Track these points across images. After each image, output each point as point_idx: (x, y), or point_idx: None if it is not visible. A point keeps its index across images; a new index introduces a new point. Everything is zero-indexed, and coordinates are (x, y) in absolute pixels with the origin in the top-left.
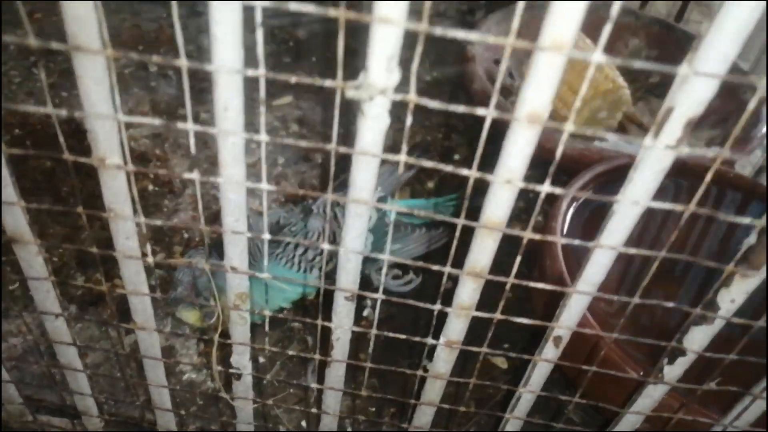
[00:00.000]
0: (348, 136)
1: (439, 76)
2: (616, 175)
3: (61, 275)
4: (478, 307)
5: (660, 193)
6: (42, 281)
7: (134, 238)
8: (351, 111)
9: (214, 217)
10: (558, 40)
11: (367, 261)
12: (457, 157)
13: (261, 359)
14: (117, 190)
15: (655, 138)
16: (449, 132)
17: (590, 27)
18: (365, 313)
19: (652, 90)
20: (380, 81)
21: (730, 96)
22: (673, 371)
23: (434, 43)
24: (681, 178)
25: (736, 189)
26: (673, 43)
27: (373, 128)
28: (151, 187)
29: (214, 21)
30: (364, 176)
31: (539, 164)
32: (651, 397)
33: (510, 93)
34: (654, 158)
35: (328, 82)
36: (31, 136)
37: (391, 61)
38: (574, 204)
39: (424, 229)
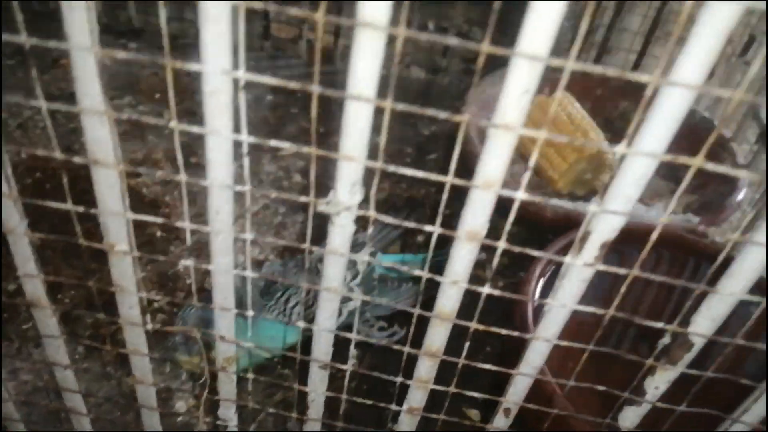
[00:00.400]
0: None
1: (437, 130)
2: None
3: (71, 316)
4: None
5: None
6: (54, 339)
7: (137, 308)
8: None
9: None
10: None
11: (354, 314)
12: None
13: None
14: (123, 270)
15: (576, 257)
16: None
17: (582, 90)
18: (350, 363)
19: None
20: (345, 200)
21: (713, 160)
22: None
23: (435, 98)
24: (660, 247)
25: (712, 260)
26: None
27: (340, 233)
28: (159, 234)
29: (209, 149)
30: (334, 270)
31: (527, 224)
32: None
33: None
34: (576, 272)
35: (302, 198)
36: (53, 178)
37: (354, 186)
38: (550, 268)
39: (411, 283)
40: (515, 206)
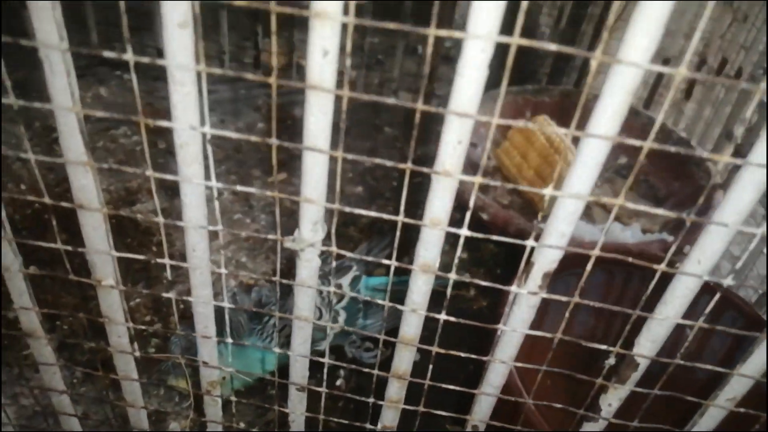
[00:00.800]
0: None
1: (421, 154)
2: (567, 263)
3: (69, 342)
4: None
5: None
6: (51, 366)
7: (125, 336)
8: None
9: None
10: (447, 168)
11: (340, 335)
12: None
13: (241, 423)
14: (111, 302)
15: (522, 286)
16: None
17: (562, 110)
18: (338, 382)
19: (619, 171)
20: (309, 238)
21: (689, 180)
22: None
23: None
24: (631, 267)
25: None
26: (638, 127)
27: (307, 267)
28: (153, 261)
29: (183, 194)
30: (303, 300)
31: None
32: None
33: (486, 173)
34: (524, 300)
35: (270, 236)
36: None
37: (316, 224)
38: None
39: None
40: (461, 241)
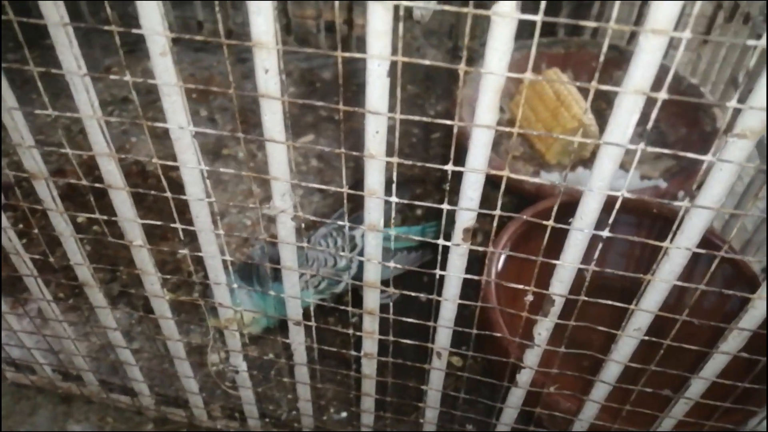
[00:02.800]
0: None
1: (441, 110)
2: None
3: (128, 288)
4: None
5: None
6: (103, 309)
7: (157, 284)
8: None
9: (243, 241)
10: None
11: (356, 280)
12: (445, 186)
13: (271, 354)
14: (142, 258)
15: (448, 241)
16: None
17: (578, 63)
18: (354, 319)
19: None
20: (280, 205)
21: (695, 126)
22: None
23: (442, 80)
24: (628, 214)
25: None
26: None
27: (283, 228)
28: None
29: (184, 174)
30: (286, 254)
31: (515, 194)
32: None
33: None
34: (453, 250)
35: (250, 204)
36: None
37: (284, 195)
38: (510, 241)
39: (405, 252)
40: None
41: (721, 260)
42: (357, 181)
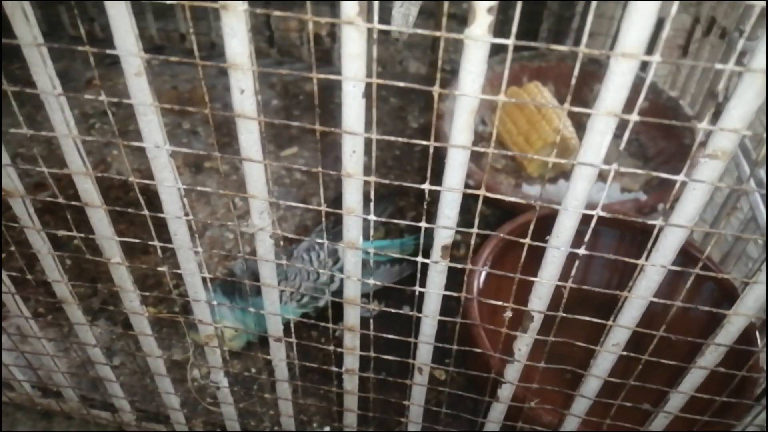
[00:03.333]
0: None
1: (425, 122)
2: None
3: (109, 305)
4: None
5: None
6: (83, 326)
7: (136, 301)
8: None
9: (224, 257)
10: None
11: (337, 293)
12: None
13: (253, 369)
14: (120, 275)
15: (427, 258)
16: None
17: (558, 76)
18: (338, 333)
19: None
20: (258, 223)
21: (675, 139)
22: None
23: (423, 93)
24: (610, 227)
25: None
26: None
27: (262, 245)
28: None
29: (161, 192)
30: (265, 270)
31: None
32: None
33: (482, 139)
34: (432, 267)
35: (230, 224)
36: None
37: (263, 213)
38: (491, 255)
39: (388, 265)
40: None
41: (705, 277)
42: (339, 194)
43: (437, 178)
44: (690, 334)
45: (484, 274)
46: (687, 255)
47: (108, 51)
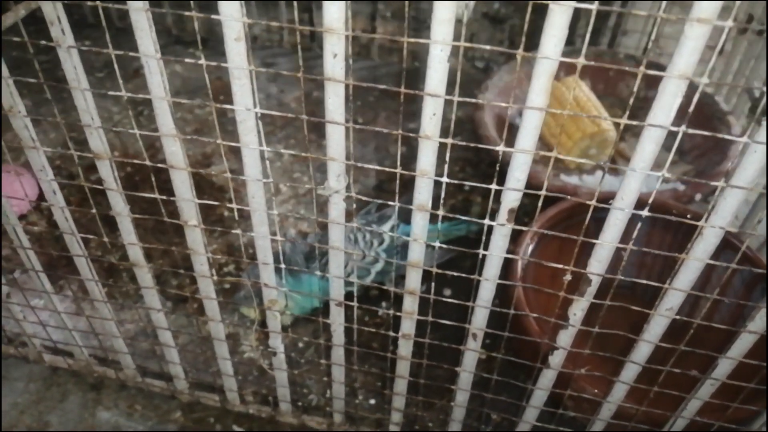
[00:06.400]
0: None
1: (462, 115)
2: (578, 210)
3: (161, 279)
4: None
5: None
6: (150, 289)
7: (206, 264)
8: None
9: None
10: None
11: (382, 273)
12: (466, 188)
13: (300, 344)
14: (194, 238)
15: (493, 220)
16: (464, 165)
17: (595, 72)
18: (380, 312)
19: None
20: (334, 186)
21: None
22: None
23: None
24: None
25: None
26: None
27: (335, 208)
28: (226, 213)
29: (244, 155)
30: (336, 233)
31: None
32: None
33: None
34: (496, 230)
35: (306, 186)
36: (141, 170)
37: (339, 177)
38: (536, 237)
39: (431, 249)
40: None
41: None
42: (381, 180)
43: (473, 167)
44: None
45: (531, 248)
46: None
47: (213, 16)
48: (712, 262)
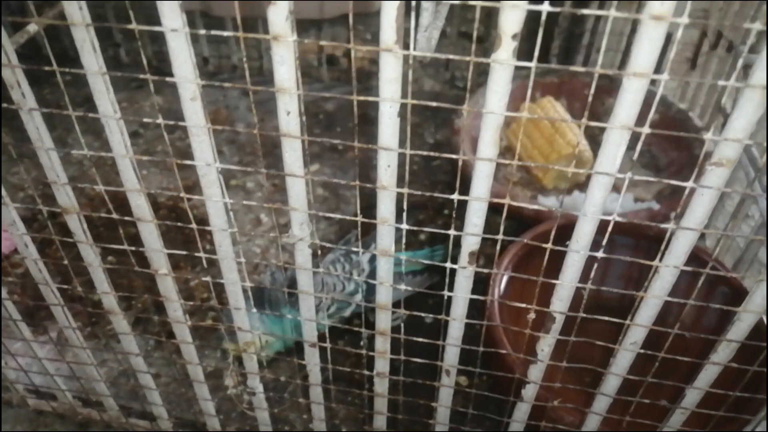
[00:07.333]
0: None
1: (441, 138)
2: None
3: (141, 319)
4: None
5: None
6: (127, 335)
7: (180, 311)
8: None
9: (254, 268)
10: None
11: (362, 303)
12: (446, 211)
13: (282, 378)
14: (166, 286)
15: (455, 264)
16: (444, 188)
17: (571, 90)
18: (362, 343)
19: None
20: (298, 233)
21: (685, 149)
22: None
23: (440, 109)
24: (625, 236)
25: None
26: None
27: (301, 254)
28: (208, 246)
29: (208, 206)
30: (303, 278)
31: (515, 218)
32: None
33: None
34: (460, 272)
35: (271, 234)
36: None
37: (302, 225)
38: (511, 264)
39: (411, 276)
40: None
41: (719, 281)
42: (362, 208)
43: (452, 191)
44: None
45: (504, 280)
46: (700, 261)
47: (168, 79)
48: (669, 299)
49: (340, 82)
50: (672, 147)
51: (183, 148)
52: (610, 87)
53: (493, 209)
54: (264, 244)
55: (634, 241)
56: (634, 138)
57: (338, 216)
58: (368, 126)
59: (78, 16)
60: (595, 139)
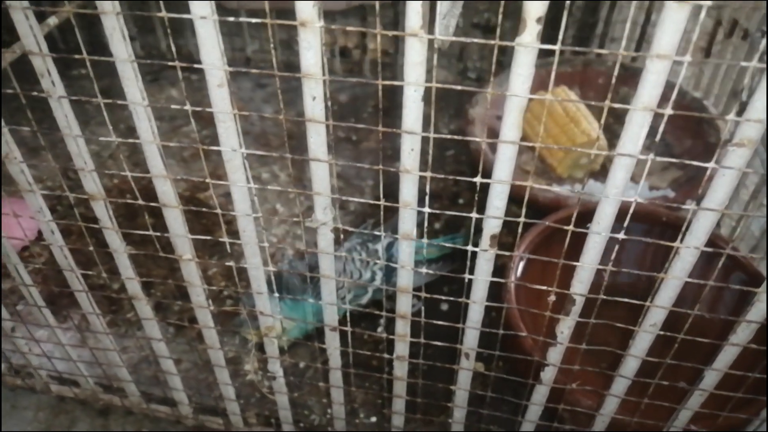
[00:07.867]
0: (376, 186)
1: (455, 129)
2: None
3: (163, 305)
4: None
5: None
6: (149, 320)
7: (203, 296)
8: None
9: (270, 257)
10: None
11: (378, 291)
12: (461, 201)
13: (301, 364)
14: (190, 271)
15: (476, 246)
16: (457, 181)
17: (585, 80)
18: (379, 329)
19: None
20: (321, 218)
21: (700, 138)
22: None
23: (453, 100)
24: (639, 222)
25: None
26: None
27: (323, 239)
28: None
29: (233, 191)
30: (325, 263)
31: (529, 206)
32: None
33: None
34: (481, 255)
35: (294, 218)
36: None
37: (326, 209)
38: (528, 249)
39: (427, 264)
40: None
41: (734, 266)
42: (379, 197)
43: (466, 181)
44: (721, 322)
45: (522, 265)
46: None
47: (196, 65)
48: (689, 280)
49: (353, 74)
50: (687, 135)
51: (200, 140)
52: (624, 76)
53: (510, 198)
54: (280, 234)
55: (648, 228)
56: (652, 127)
57: (361, 200)
58: (384, 117)
59: (109, 5)
60: (609, 128)
